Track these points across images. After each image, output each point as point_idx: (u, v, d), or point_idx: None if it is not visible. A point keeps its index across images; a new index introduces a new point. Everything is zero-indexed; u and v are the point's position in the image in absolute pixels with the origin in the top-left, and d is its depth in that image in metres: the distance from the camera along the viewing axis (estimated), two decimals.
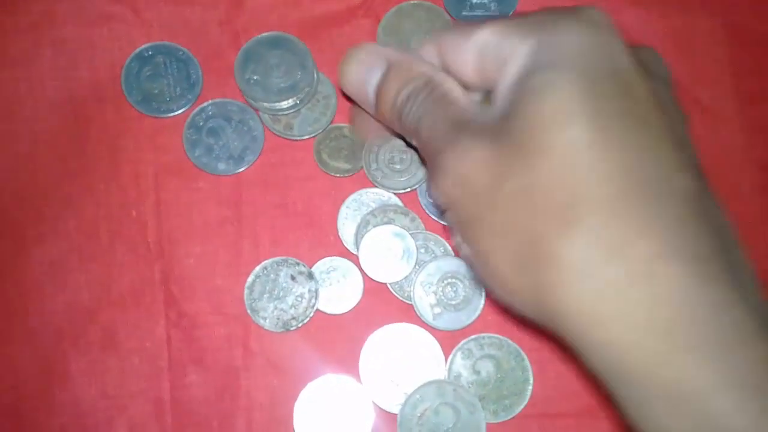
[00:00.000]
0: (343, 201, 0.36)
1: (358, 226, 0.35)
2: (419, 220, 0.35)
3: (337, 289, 0.35)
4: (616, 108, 0.19)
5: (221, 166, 0.36)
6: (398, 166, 0.35)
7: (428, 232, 0.35)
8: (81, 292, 0.35)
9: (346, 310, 0.35)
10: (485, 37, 0.22)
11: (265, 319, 0.34)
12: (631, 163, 0.19)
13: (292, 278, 0.35)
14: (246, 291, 0.35)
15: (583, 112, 0.19)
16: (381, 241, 0.35)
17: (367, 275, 0.35)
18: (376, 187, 0.36)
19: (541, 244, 0.19)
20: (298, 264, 0.35)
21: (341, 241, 0.35)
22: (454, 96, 0.23)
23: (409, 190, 0.35)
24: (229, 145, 0.36)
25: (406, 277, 0.35)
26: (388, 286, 0.35)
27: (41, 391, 0.34)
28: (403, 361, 0.34)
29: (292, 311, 0.34)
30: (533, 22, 0.21)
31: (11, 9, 0.36)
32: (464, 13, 0.37)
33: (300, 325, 0.34)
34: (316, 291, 0.35)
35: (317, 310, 0.35)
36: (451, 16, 0.37)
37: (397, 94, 0.24)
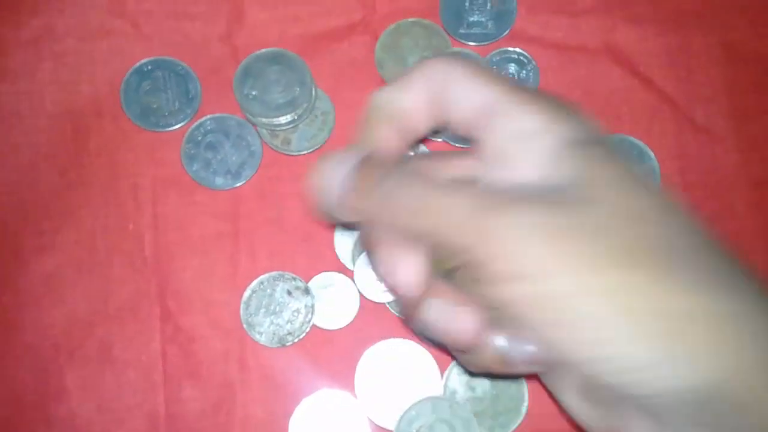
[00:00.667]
0: None
1: (355, 242, 0.35)
2: None
3: (333, 305, 0.35)
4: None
5: (219, 180, 0.36)
6: None
7: None
8: (78, 306, 0.35)
9: (342, 326, 0.35)
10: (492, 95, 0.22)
11: (261, 334, 0.34)
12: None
13: (289, 293, 0.35)
14: (242, 305, 0.35)
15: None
16: None
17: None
18: None
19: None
20: (294, 279, 0.35)
21: (337, 256, 0.35)
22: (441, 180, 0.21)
23: None
24: (227, 160, 0.36)
25: None
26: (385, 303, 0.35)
27: (38, 405, 0.34)
28: (398, 377, 0.34)
29: (288, 326, 0.35)
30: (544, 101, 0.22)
31: (12, 23, 0.37)
32: (461, 30, 0.37)
33: (296, 340, 0.34)
34: (313, 306, 0.35)
35: (313, 325, 0.35)
36: (448, 34, 0.37)
37: (379, 180, 0.22)
